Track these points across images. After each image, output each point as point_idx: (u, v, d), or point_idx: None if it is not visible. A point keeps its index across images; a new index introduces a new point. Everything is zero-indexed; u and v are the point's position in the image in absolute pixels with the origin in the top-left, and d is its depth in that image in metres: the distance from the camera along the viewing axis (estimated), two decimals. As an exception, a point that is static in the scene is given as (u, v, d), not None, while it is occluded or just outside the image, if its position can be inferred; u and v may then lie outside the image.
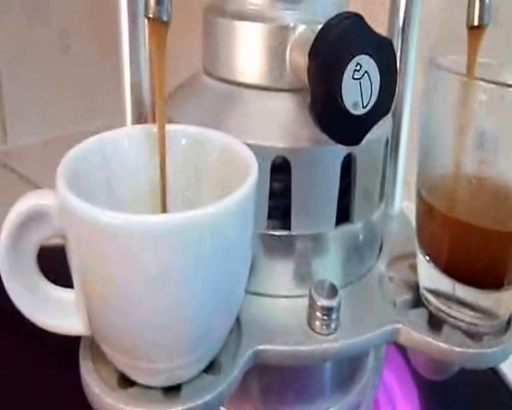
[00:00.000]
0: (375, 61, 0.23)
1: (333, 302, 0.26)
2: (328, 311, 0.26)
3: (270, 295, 0.29)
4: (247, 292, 0.28)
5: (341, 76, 0.23)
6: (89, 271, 0.22)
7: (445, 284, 0.28)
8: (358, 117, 0.24)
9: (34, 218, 0.22)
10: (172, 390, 0.24)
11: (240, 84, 0.28)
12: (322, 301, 0.26)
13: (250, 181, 0.22)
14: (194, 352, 0.23)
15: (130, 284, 0.21)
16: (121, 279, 0.21)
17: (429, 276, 0.29)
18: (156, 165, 0.26)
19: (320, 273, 0.29)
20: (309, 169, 0.27)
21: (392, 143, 0.36)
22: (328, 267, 0.29)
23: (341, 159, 0.27)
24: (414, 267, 0.31)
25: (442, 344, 0.27)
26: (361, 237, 0.30)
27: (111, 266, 0.20)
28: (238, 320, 0.27)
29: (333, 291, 0.27)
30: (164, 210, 0.26)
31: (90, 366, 0.25)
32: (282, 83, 0.27)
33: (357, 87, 0.23)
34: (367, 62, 0.23)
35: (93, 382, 0.24)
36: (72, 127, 0.73)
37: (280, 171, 0.27)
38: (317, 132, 0.25)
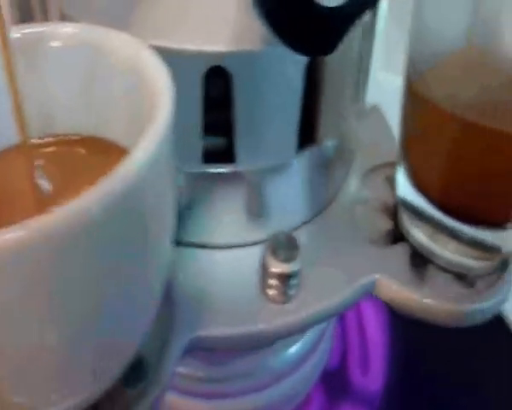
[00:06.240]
0: None
1: (292, 267, 0.20)
2: (285, 278, 0.20)
3: (215, 247, 0.22)
4: (183, 244, 0.21)
5: None
6: None
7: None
8: (331, 12, 0.16)
9: None
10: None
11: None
12: (278, 267, 0.20)
13: (158, 130, 0.14)
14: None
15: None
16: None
17: (409, 193, 0.23)
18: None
19: (277, 212, 0.22)
20: (257, 81, 0.19)
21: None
22: (288, 203, 0.23)
23: (304, 64, 0.19)
24: (391, 181, 0.25)
25: (427, 301, 0.21)
26: (330, 157, 0.24)
27: None
28: (168, 292, 0.20)
29: (291, 250, 0.20)
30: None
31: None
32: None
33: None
34: None
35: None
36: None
37: (216, 84, 0.19)
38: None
